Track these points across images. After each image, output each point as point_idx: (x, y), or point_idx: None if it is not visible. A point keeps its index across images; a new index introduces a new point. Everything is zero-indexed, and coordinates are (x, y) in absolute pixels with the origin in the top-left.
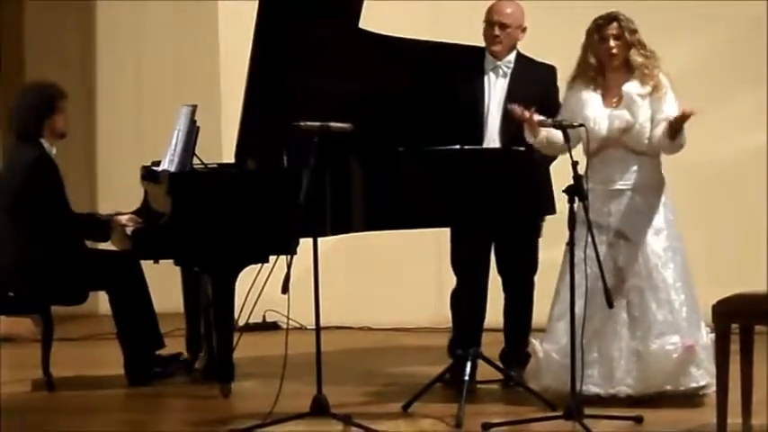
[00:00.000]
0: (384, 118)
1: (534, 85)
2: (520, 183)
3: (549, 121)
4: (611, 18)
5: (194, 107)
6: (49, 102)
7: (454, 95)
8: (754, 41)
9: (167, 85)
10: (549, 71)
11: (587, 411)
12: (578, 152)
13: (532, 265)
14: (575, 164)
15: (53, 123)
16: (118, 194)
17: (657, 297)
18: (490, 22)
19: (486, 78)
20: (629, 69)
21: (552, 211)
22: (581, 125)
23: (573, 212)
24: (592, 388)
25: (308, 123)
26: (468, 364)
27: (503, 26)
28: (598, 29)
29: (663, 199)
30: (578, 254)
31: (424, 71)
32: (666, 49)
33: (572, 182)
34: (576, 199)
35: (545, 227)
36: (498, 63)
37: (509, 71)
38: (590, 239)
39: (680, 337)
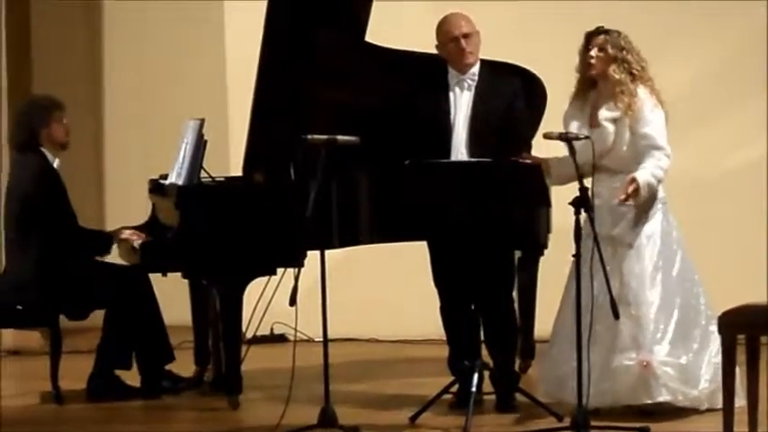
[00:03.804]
0: (390, 130)
1: (499, 96)
2: (527, 199)
3: (555, 133)
4: (600, 30)
5: (202, 121)
6: (43, 113)
7: (422, 107)
8: (755, 54)
9: (174, 99)
10: (515, 78)
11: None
12: None
13: (509, 281)
14: (580, 176)
15: (51, 134)
16: (125, 208)
17: (627, 312)
18: (453, 39)
19: (450, 93)
20: (612, 86)
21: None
22: (587, 137)
23: (579, 224)
24: (566, 398)
25: (315, 136)
26: (475, 376)
27: (466, 36)
28: (585, 40)
29: (646, 215)
30: (583, 266)
31: (411, 82)
32: (667, 63)
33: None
34: (582, 211)
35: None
36: (462, 77)
37: (474, 84)
38: (590, 252)
39: (638, 353)
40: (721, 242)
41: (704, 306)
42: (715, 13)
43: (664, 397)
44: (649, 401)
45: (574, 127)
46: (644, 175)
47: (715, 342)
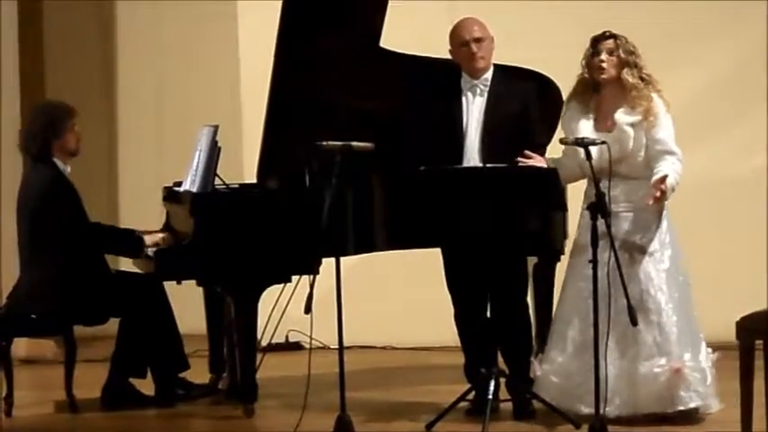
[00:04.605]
0: (405, 136)
1: (513, 101)
2: (543, 204)
3: (571, 139)
4: (608, 35)
5: (216, 127)
6: (56, 122)
7: (434, 113)
8: (756, 65)
9: (188, 105)
10: (529, 82)
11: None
12: None
13: (523, 287)
14: (597, 181)
15: (63, 143)
16: (139, 215)
17: (648, 319)
18: (464, 43)
19: (464, 98)
20: (623, 90)
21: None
22: (603, 142)
23: (596, 230)
24: (582, 408)
25: (330, 143)
26: (492, 383)
27: (478, 41)
28: (593, 43)
29: (659, 221)
30: (587, 272)
31: (424, 87)
32: (671, 72)
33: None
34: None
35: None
36: (475, 82)
37: (486, 89)
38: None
39: (667, 359)
40: (724, 249)
41: (695, 309)
42: (717, 22)
43: (695, 402)
44: (682, 408)
45: (586, 130)
46: (669, 177)
47: (703, 342)
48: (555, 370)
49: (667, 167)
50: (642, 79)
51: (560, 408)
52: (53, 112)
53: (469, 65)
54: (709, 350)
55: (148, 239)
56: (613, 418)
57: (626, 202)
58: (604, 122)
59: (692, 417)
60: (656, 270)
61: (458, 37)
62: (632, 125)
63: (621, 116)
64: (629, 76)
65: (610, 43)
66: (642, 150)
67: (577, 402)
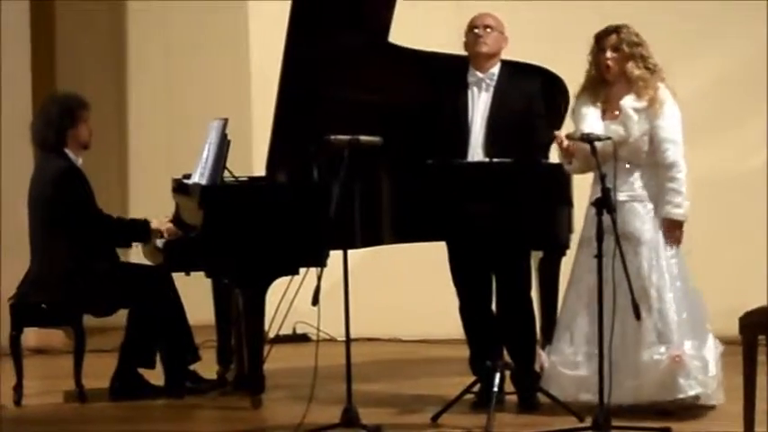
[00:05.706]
0: (412, 130)
1: (518, 98)
2: (549, 199)
3: (578, 134)
4: (610, 30)
5: (225, 120)
6: (71, 112)
7: (443, 107)
8: (758, 64)
9: (198, 98)
10: (536, 79)
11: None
12: None
13: (527, 281)
14: (602, 176)
15: (76, 134)
16: (149, 207)
17: (649, 306)
18: (472, 28)
19: (469, 92)
20: (630, 82)
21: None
22: (608, 138)
23: (601, 224)
24: (591, 398)
25: (338, 137)
26: (497, 376)
27: (486, 27)
28: (597, 40)
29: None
30: (592, 265)
31: (432, 82)
32: (673, 71)
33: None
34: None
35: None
36: (482, 76)
37: (492, 84)
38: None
39: (667, 347)
40: (726, 245)
41: (701, 299)
42: (720, 22)
43: (695, 390)
44: (683, 396)
45: (593, 118)
46: (677, 212)
47: (710, 335)
48: (564, 361)
49: (670, 194)
50: (648, 69)
51: (570, 398)
52: (68, 101)
53: (473, 49)
54: (717, 342)
55: (155, 222)
56: (625, 407)
57: (623, 191)
58: (612, 112)
59: (694, 409)
60: (657, 258)
61: (470, 23)
62: (637, 110)
63: (627, 102)
64: (634, 69)
65: (613, 39)
66: (646, 137)
67: (586, 393)
